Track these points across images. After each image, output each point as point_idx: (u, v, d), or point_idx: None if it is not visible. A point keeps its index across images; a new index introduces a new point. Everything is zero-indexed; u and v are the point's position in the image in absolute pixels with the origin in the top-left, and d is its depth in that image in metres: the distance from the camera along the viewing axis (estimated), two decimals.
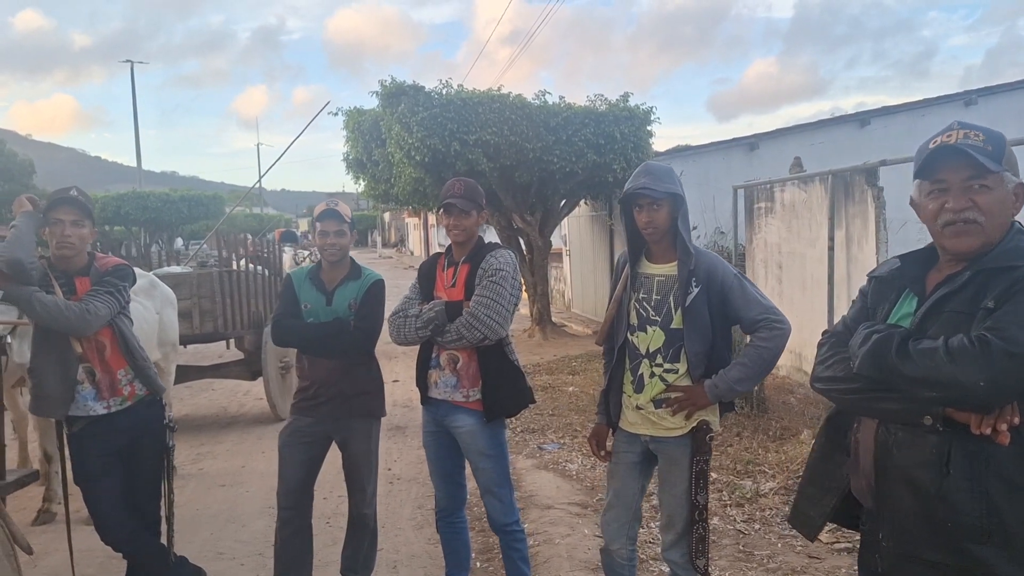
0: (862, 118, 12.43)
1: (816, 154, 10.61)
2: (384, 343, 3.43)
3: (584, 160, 10.58)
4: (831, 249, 6.79)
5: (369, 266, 3.54)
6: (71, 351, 3.07)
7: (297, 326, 3.35)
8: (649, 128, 11.11)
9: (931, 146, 1.73)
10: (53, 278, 3.07)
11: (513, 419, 5.19)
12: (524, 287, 12.41)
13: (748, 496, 4.66)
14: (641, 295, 2.76)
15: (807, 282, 7.43)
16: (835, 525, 3.83)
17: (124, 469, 3.20)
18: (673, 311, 2.67)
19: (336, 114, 12.43)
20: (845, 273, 6.74)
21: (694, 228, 10.24)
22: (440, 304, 3.09)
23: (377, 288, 3.40)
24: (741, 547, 4.03)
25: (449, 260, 3.23)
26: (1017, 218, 1.77)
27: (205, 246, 11.69)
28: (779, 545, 4.04)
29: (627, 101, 11.02)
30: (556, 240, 14.31)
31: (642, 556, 3.84)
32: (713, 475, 4.99)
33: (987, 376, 1.53)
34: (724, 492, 4.75)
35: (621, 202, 2.76)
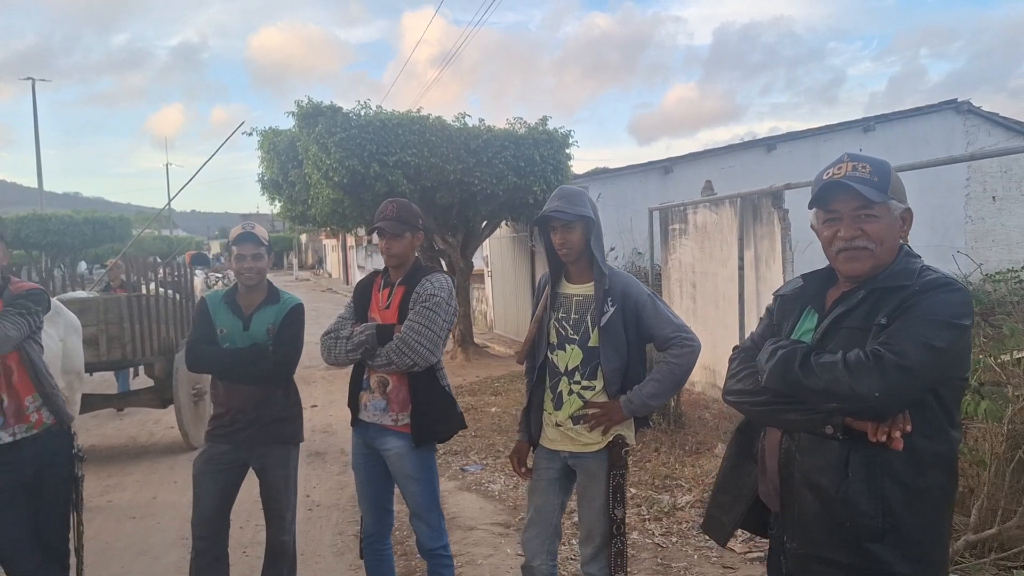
0: (769, 143, 13.02)
1: (727, 177, 11.05)
2: (302, 367, 3.38)
3: (505, 182, 10.70)
4: (741, 269, 7.07)
5: (286, 289, 3.49)
6: None
7: (213, 352, 3.27)
8: (568, 151, 11.33)
9: (824, 178, 1.87)
10: None
11: None
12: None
13: (666, 510, 4.77)
14: (561, 314, 2.83)
15: (719, 300, 7.70)
16: (747, 534, 3.98)
17: (31, 501, 3.06)
18: (590, 330, 2.75)
19: (251, 134, 12.20)
20: (755, 291, 7.02)
21: (612, 249, 10.53)
22: (371, 327, 3.06)
23: (296, 313, 3.35)
24: (659, 560, 4.13)
25: (385, 280, 3.20)
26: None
27: (100, 267, 11.23)
28: (695, 557, 4.16)
29: (546, 124, 11.22)
30: (478, 261, 14.37)
31: (564, 573, 3.88)
32: (632, 490, 5.10)
33: (881, 387, 1.65)
34: (643, 507, 4.86)
35: (537, 224, 2.83)
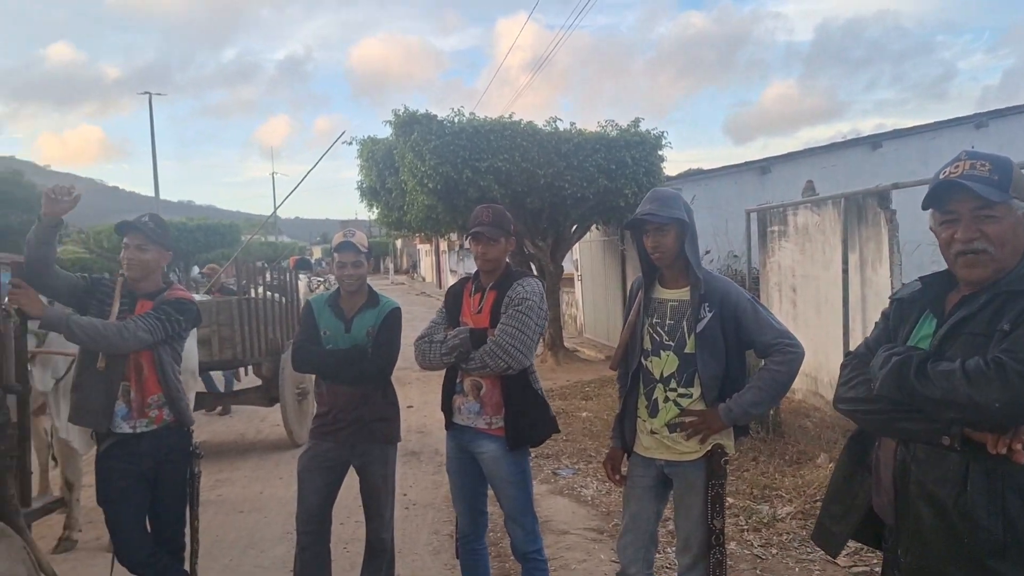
0: (874, 141, 12.48)
1: (828, 177, 10.65)
2: (397, 369, 3.48)
3: (595, 185, 10.65)
4: (845, 272, 6.80)
5: (382, 292, 3.60)
6: (116, 365, 3.15)
7: (317, 352, 3.40)
8: (660, 153, 11.17)
9: (940, 177, 1.78)
10: (118, 296, 3.20)
11: None
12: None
13: (765, 521, 4.64)
14: (655, 320, 2.79)
15: (821, 305, 7.43)
16: (856, 546, 3.83)
17: (149, 493, 3.25)
18: (687, 336, 2.70)
19: (351, 143, 12.61)
20: (859, 295, 6.75)
21: (707, 252, 10.32)
22: (465, 331, 3.11)
23: (394, 316, 3.46)
24: (759, 572, 4.02)
25: (476, 285, 3.25)
26: None
27: (201, 274, 11.77)
28: (796, 569, 4.03)
29: (638, 126, 11.09)
30: (567, 265, 14.36)
31: None
32: (730, 500, 4.98)
33: (1003, 397, 1.57)
34: (741, 517, 4.74)
35: (630, 227, 2.81)
